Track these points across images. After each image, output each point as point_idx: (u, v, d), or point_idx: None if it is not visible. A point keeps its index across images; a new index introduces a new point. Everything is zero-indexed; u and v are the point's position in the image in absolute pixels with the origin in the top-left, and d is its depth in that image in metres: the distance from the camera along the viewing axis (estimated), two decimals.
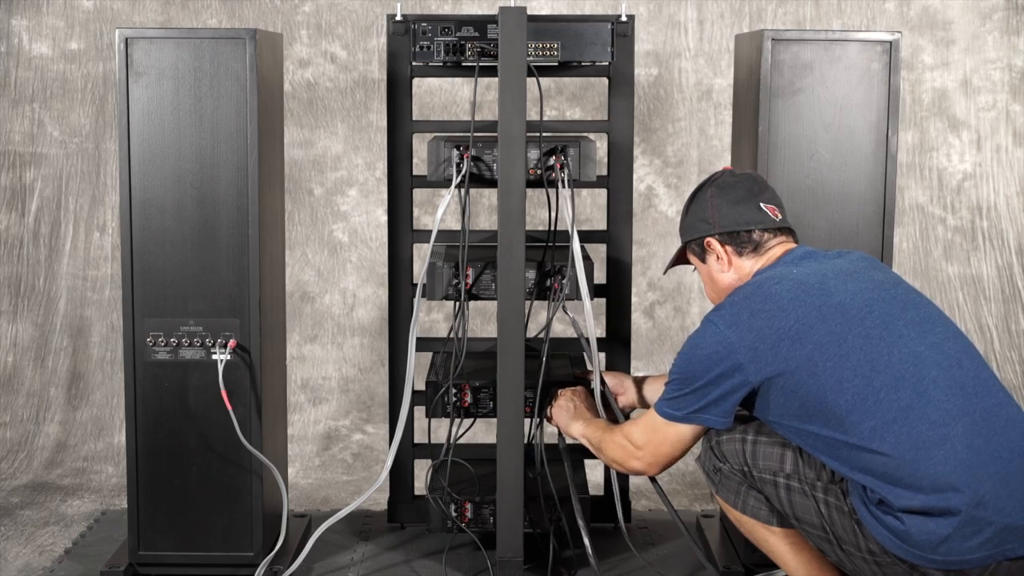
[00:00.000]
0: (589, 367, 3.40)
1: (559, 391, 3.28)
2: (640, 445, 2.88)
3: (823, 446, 2.60)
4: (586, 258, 3.35)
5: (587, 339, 3.26)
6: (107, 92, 5.01)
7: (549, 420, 3.27)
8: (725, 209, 2.86)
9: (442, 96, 5.08)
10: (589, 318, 3.22)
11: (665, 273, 3.19)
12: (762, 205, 2.86)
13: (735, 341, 2.66)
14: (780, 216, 2.87)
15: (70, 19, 5.02)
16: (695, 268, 2.99)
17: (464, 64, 3.46)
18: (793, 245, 2.86)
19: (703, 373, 2.70)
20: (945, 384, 2.55)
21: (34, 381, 4.87)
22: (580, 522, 3.22)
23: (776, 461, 2.70)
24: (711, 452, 2.81)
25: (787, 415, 2.64)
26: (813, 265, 2.77)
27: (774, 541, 2.79)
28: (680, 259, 3.04)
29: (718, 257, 2.87)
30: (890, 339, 2.59)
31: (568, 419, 3.21)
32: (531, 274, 3.26)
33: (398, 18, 3.41)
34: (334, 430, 4.82)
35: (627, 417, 3.25)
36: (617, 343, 3.59)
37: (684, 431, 2.79)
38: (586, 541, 3.19)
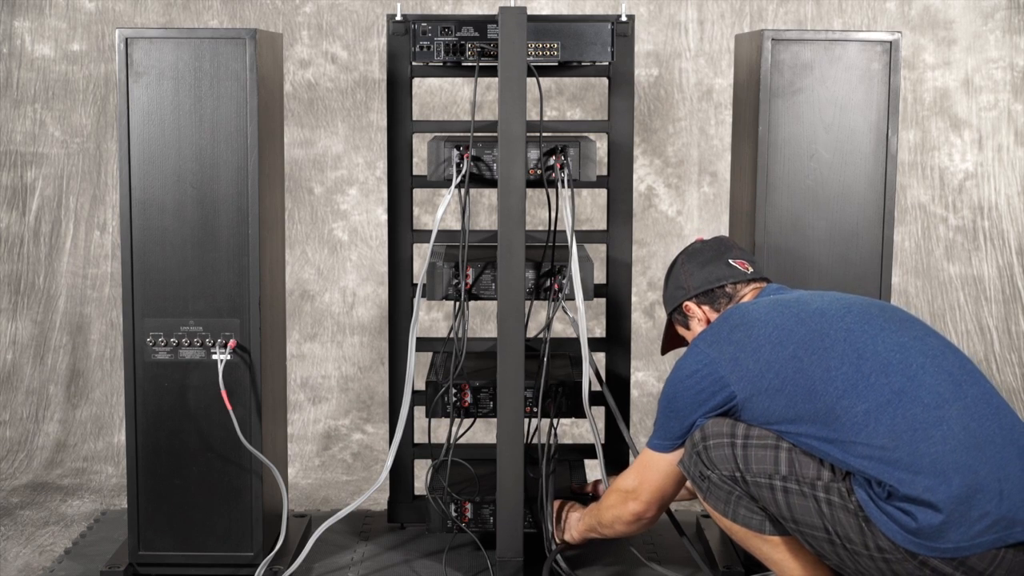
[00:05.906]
0: (589, 482, 3.43)
1: (560, 509, 3.24)
2: (633, 487, 2.89)
3: (819, 443, 2.59)
4: (586, 258, 3.35)
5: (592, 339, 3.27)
6: (108, 93, 5.00)
7: (564, 542, 3.21)
8: (696, 272, 2.96)
9: (442, 96, 5.08)
10: (582, 320, 3.22)
11: (664, 354, 3.23)
12: (731, 261, 2.95)
13: (715, 356, 2.71)
14: (751, 269, 2.95)
15: (72, 21, 5.02)
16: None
17: (464, 64, 3.45)
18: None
19: (686, 393, 2.74)
20: (933, 370, 2.58)
21: (33, 378, 4.87)
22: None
23: (770, 464, 2.65)
24: (697, 458, 2.73)
25: (776, 418, 2.64)
26: (787, 292, 2.87)
27: (767, 549, 2.76)
28: (674, 337, 3.12)
29: (699, 320, 2.95)
30: (872, 331, 2.63)
31: (571, 529, 3.19)
32: (531, 274, 3.26)
33: (398, 18, 3.41)
34: (334, 429, 4.82)
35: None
36: (617, 343, 3.59)
37: (676, 461, 2.80)
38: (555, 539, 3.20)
